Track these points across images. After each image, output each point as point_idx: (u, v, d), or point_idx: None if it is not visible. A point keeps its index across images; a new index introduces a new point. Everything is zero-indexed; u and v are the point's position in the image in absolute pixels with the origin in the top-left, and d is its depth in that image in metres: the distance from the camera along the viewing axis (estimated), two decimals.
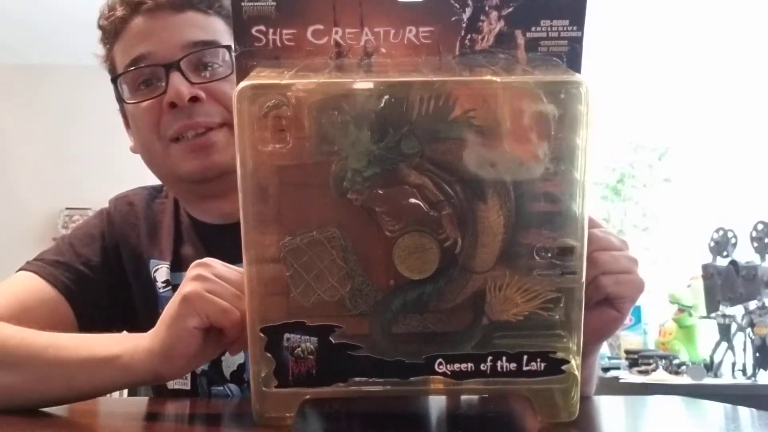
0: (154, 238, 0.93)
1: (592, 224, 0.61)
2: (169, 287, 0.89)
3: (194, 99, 0.82)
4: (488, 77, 0.49)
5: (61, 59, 3.85)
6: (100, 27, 0.89)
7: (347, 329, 0.51)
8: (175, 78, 0.82)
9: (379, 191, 0.49)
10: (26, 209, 3.92)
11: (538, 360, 0.51)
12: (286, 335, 0.51)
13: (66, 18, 3.43)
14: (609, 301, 0.63)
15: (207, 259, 0.62)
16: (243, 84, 0.49)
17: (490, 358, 0.51)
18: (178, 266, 0.89)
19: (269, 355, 0.51)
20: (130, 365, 0.62)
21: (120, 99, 0.89)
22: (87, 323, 0.84)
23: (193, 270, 0.61)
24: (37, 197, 3.92)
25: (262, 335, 0.51)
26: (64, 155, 3.87)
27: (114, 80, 0.88)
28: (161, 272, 0.90)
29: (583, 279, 0.51)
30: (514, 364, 0.51)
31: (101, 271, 0.89)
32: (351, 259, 0.50)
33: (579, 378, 0.52)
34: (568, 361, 0.51)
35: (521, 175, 0.49)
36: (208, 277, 0.60)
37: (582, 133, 0.49)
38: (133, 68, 0.84)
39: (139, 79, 0.85)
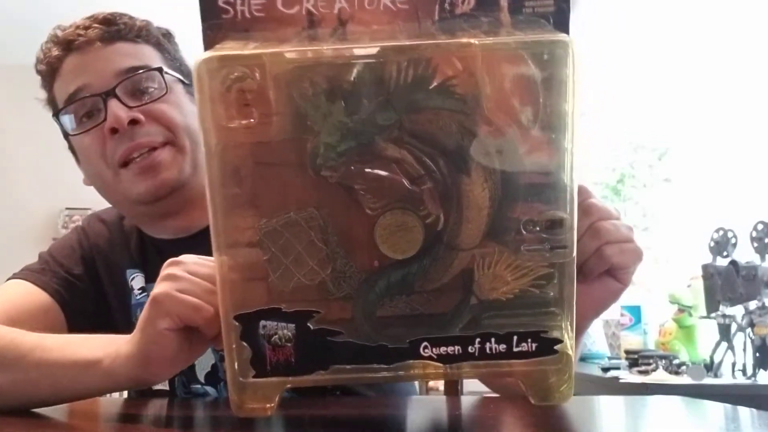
0: (127, 251, 0.95)
1: (588, 195, 0.60)
2: (146, 293, 0.90)
3: (134, 122, 0.84)
4: (465, 39, 0.46)
5: None
6: (38, 72, 0.92)
7: (331, 314, 0.48)
8: (113, 104, 0.84)
9: (355, 167, 0.46)
10: (26, 209, 3.92)
11: (529, 340, 0.48)
12: (262, 322, 0.48)
13: (66, 18, 3.42)
14: (610, 271, 0.61)
15: (181, 256, 0.60)
16: (203, 56, 0.45)
17: (478, 339, 0.48)
18: (150, 279, 0.91)
19: (245, 343, 0.48)
20: (111, 370, 0.61)
21: (65, 134, 0.92)
22: (75, 326, 0.86)
23: (164, 269, 0.60)
24: (37, 197, 3.92)
25: (236, 323, 0.48)
26: (64, 155, 3.86)
27: (56, 116, 0.91)
28: (137, 280, 0.92)
29: (574, 253, 0.48)
30: (504, 346, 0.48)
31: (83, 280, 0.91)
32: (331, 240, 0.47)
33: (573, 357, 0.49)
34: (561, 341, 0.48)
35: (508, 151, 0.46)
36: (179, 275, 0.58)
37: (569, 98, 0.46)
38: (71, 102, 0.87)
39: (80, 111, 0.88)
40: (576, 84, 0.45)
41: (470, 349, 0.48)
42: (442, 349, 0.48)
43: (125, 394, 0.99)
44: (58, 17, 0.94)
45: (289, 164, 0.46)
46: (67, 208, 3.89)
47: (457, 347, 0.48)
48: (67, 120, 0.89)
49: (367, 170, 0.46)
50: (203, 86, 0.45)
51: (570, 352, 0.49)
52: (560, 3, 0.50)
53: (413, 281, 0.48)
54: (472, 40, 0.45)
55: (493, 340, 0.48)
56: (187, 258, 0.60)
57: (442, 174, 0.46)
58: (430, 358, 0.48)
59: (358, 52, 0.45)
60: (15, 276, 0.89)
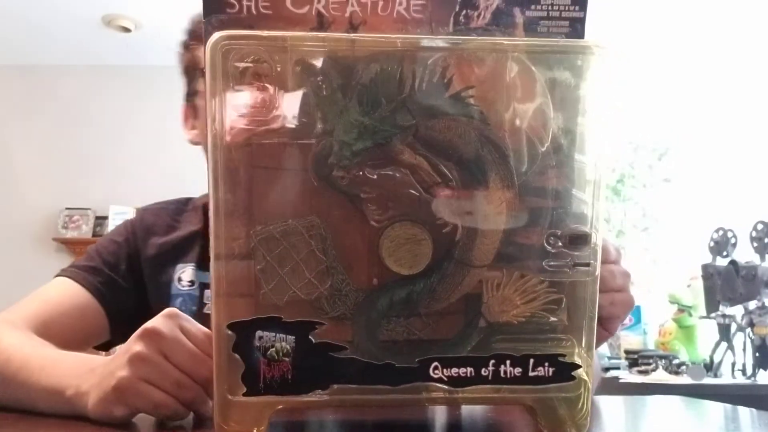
0: (180, 244, 0.96)
1: None
2: (195, 285, 0.92)
3: None
4: (498, 39, 0.43)
5: (62, 59, 3.85)
6: (191, 31, 0.94)
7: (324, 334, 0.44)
8: None
9: (368, 175, 0.43)
10: (26, 209, 3.92)
11: (546, 364, 0.45)
12: (258, 333, 0.43)
13: (66, 18, 3.43)
14: (599, 320, 0.61)
15: (159, 323, 0.55)
16: (218, 34, 0.42)
17: (492, 361, 0.44)
18: (206, 267, 0.92)
19: (237, 356, 0.43)
20: (72, 402, 0.60)
21: (194, 92, 0.95)
22: (116, 324, 0.89)
23: (136, 344, 0.54)
24: (37, 197, 3.92)
25: (229, 333, 0.43)
26: (64, 155, 3.88)
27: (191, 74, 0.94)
28: (187, 273, 0.93)
29: (598, 271, 0.45)
30: (519, 369, 0.45)
31: (127, 277, 0.93)
32: (330, 253, 0.43)
33: (591, 385, 0.46)
34: (578, 366, 0.45)
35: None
36: (150, 358, 0.53)
37: (597, 109, 0.43)
38: None
39: None
40: (606, 94, 0.43)
41: (483, 371, 0.45)
42: (453, 371, 0.45)
43: None
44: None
45: (290, 169, 0.43)
46: (67, 208, 3.89)
47: (469, 369, 0.45)
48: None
49: (377, 174, 0.43)
50: (216, 69, 0.41)
51: (587, 378, 0.46)
52: (575, 24, 0.48)
53: (419, 300, 0.44)
54: (503, 40, 0.43)
55: (508, 362, 0.45)
56: (168, 326, 0.54)
57: (458, 184, 0.43)
58: (440, 380, 0.45)
59: (389, 43, 0.42)
60: (62, 273, 0.90)
